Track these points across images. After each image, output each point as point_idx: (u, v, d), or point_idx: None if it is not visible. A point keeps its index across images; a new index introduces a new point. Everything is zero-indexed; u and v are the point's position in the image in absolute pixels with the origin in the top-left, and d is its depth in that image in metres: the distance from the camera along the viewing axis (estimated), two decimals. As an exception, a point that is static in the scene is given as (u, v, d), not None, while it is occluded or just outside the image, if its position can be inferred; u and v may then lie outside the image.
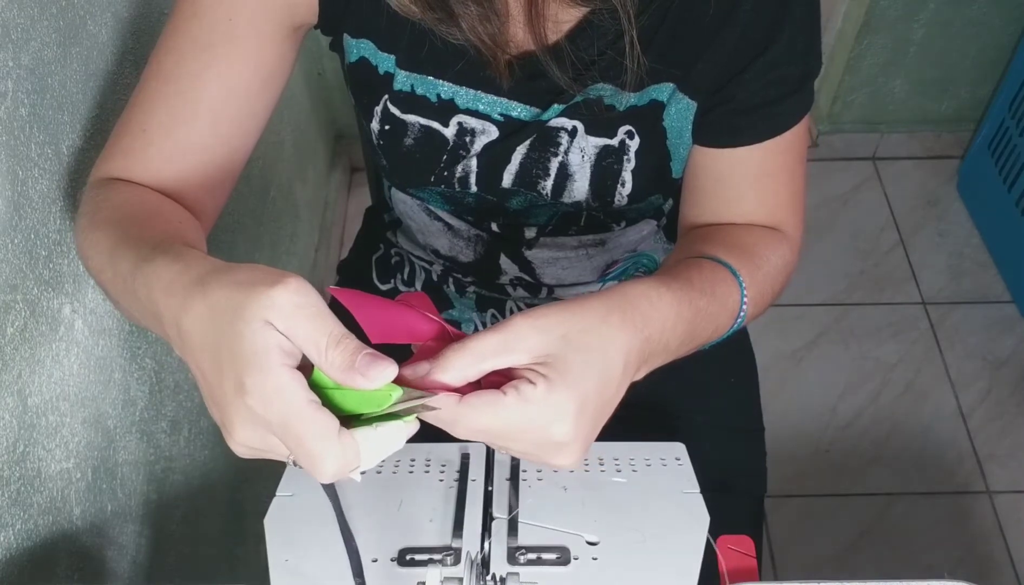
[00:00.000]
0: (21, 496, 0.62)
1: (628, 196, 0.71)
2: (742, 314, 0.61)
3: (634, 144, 0.69)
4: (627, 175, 0.70)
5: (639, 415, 0.85)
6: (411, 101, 0.69)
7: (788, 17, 0.63)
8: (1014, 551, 1.51)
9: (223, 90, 0.63)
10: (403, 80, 0.69)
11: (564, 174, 0.71)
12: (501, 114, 0.69)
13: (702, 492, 0.63)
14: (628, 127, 0.68)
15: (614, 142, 0.69)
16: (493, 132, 0.70)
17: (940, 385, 1.72)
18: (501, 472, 0.64)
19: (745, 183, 0.69)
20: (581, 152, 0.70)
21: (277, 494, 0.63)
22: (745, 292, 0.61)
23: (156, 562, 0.83)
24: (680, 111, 0.68)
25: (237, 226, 1.13)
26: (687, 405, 0.85)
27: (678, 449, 0.66)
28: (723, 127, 0.68)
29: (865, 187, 2.05)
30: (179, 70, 0.63)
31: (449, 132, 0.70)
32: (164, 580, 0.85)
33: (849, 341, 1.79)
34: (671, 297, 0.52)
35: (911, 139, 2.07)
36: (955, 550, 1.52)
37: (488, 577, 0.56)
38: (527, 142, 0.70)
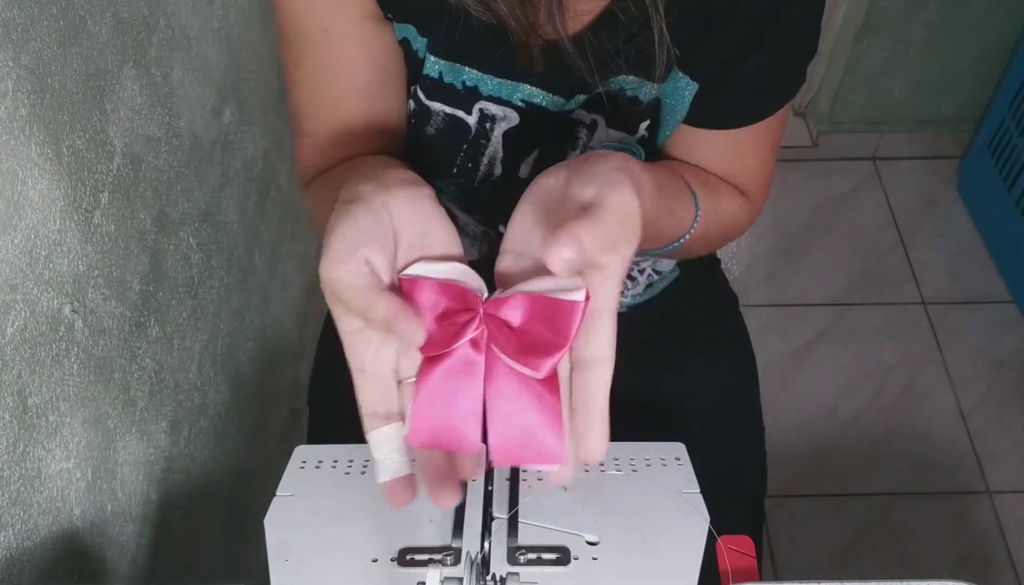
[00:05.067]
0: (21, 496, 0.62)
1: None
2: (689, 232, 0.65)
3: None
4: None
5: (639, 415, 0.85)
6: (437, 88, 0.69)
7: (793, 8, 0.63)
8: (1014, 551, 1.51)
9: (359, 96, 0.69)
10: (431, 65, 0.68)
11: None
12: (523, 101, 0.69)
13: (702, 492, 0.63)
14: (649, 122, 0.69)
15: (635, 138, 0.69)
16: (514, 118, 0.69)
17: (940, 385, 1.72)
18: (501, 472, 0.64)
19: (718, 153, 0.71)
20: (600, 146, 0.70)
21: (277, 494, 0.63)
22: (699, 211, 0.65)
23: (156, 562, 0.83)
24: (678, 89, 0.68)
25: (237, 225, 1.13)
26: (687, 405, 0.85)
27: (678, 449, 0.67)
28: (714, 112, 0.69)
29: (865, 187, 2.05)
30: (317, 97, 0.69)
31: (472, 119, 0.70)
32: (164, 580, 0.85)
33: (849, 341, 1.79)
34: (650, 176, 0.53)
35: (911, 139, 2.07)
36: (955, 550, 1.52)
37: (488, 577, 0.56)
38: (547, 135, 0.70)
